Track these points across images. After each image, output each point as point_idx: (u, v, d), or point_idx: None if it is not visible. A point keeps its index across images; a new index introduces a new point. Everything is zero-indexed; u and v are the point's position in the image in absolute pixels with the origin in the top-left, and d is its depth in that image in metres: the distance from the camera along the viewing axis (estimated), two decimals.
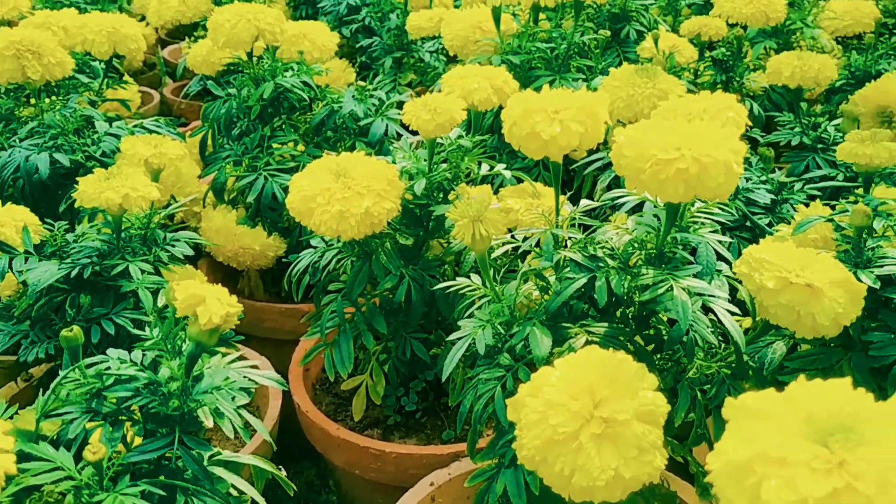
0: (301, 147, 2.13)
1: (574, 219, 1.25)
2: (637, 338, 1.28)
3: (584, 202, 1.29)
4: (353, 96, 2.10)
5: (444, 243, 1.71)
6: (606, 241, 1.19)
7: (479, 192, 1.74)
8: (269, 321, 2.10)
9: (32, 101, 2.10)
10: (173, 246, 1.65)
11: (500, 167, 1.70)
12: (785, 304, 1.23)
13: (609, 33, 2.46)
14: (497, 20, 2.21)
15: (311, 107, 2.17)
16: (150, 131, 2.04)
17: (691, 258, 1.18)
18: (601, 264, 1.16)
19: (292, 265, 1.68)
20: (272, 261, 2.11)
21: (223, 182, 2.09)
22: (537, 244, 1.30)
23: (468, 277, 1.27)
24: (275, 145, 2.07)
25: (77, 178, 1.56)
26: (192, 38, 3.14)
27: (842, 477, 0.68)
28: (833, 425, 0.73)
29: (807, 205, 1.66)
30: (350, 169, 1.50)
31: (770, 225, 1.73)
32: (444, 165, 1.68)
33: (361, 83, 2.11)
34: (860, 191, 1.64)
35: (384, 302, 1.70)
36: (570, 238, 1.20)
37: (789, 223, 1.68)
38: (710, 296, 1.11)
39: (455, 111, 1.50)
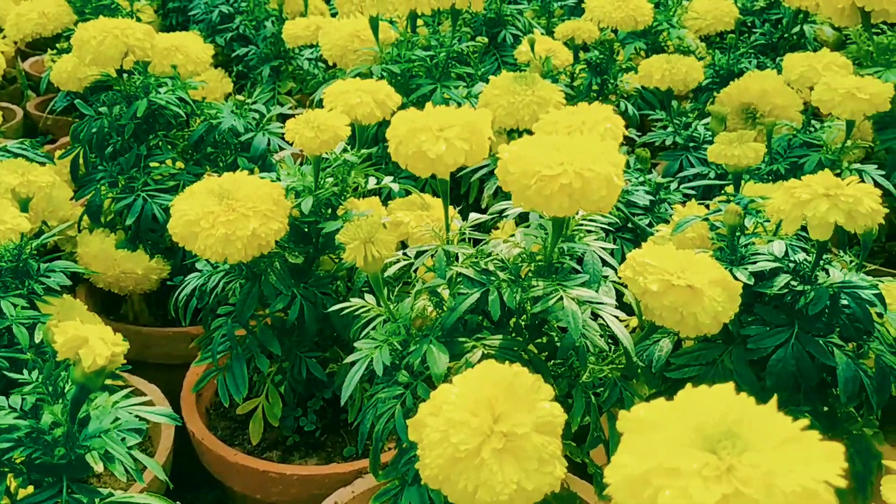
0: (180, 164, 2.07)
1: (464, 233, 1.26)
2: (532, 346, 1.30)
3: (473, 216, 1.31)
4: (232, 110, 2.05)
5: (336, 259, 1.70)
6: (497, 254, 1.21)
7: (368, 205, 1.74)
8: (158, 346, 2.03)
9: None
10: (48, 277, 1.57)
11: (387, 180, 1.69)
12: (668, 305, 1.29)
13: (486, 39, 2.50)
14: (375, 29, 2.21)
15: (188, 123, 2.11)
16: (16, 155, 1.94)
17: (578, 267, 1.21)
18: (493, 278, 1.18)
19: (178, 290, 1.63)
20: (156, 284, 2.04)
21: (99, 205, 2.00)
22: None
23: (362, 296, 1.27)
24: (152, 164, 2.00)
25: None
26: (55, 51, 3.00)
27: (730, 483, 0.72)
28: (720, 432, 0.76)
29: (683, 204, 1.73)
30: (233, 190, 1.47)
31: (650, 225, 1.79)
32: (331, 181, 1.66)
33: (240, 97, 2.07)
34: (731, 189, 1.73)
35: (276, 322, 1.67)
36: (461, 253, 1.21)
37: (668, 223, 1.75)
38: (598, 303, 1.15)
39: (339, 128, 1.49)
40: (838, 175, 1.94)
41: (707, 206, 1.73)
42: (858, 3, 2.31)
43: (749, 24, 3.29)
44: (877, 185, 1.93)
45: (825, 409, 1.47)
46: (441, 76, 2.25)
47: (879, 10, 2.31)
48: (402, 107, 2.20)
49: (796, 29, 3.01)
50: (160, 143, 2.05)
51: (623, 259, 1.80)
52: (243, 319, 1.59)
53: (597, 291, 1.20)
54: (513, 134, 2.00)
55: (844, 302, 1.37)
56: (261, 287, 1.57)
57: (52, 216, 1.96)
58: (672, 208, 1.81)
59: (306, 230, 1.60)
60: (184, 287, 1.62)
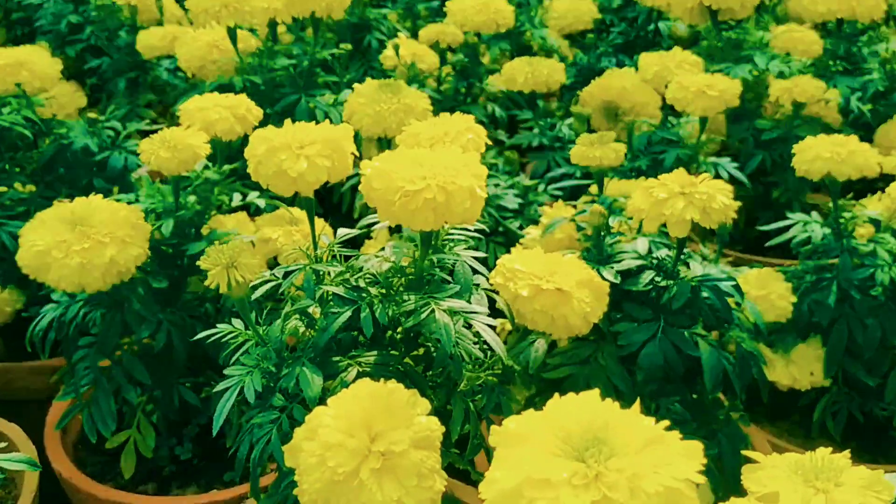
0: (32, 187, 1.95)
1: (333, 249, 1.24)
2: (408, 359, 1.30)
3: (341, 231, 1.29)
4: (86, 129, 1.95)
5: (203, 280, 1.64)
6: (368, 269, 1.20)
7: (235, 222, 1.69)
8: (17, 381, 1.90)
9: None
10: None
11: (252, 195, 1.65)
12: (539, 309, 1.31)
13: (350, 46, 2.47)
14: (233, 40, 2.14)
15: (36, 143, 1.99)
16: None
17: (450, 278, 1.21)
18: (364, 294, 1.16)
19: (33, 323, 1.53)
20: (11, 316, 1.91)
21: None
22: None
23: (229, 322, 1.23)
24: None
25: None
26: None
27: (598, 490, 0.73)
28: (587, 440, 0.78)
29: (551, 205, 1.76)
30: (87, 216, 1.40)
31: (521, 228, 1.82)
32: (193, 199, 1.61)
33: (93, 114, 1.97)
34: (594, 189, 1.77)
35: (144, 349, 1.60)
36: (331, 270, 1.19)
37: (538, 223, 1.78)
38: (470, 313, 1.15)
39: (197, 146, 1.43)
40: (696, 168, 2.04)
41: (574, 206, 1.77)
42: (706, 2, 2.43)
43: (608, 23, 3.40)
44: (732, 177, 2.03)
45: (694, 396, 1.53)
46: (306, 85, 2.21)
47: (726, 9, 2.43)
48: (267, 118, 2.17)
49: (652, 27, 3.13)
50: (6, 166, 1.93)
51: (495, 261, 1.83)
52: (107, 350, 1.52)
53: (469, 301, 1.20)
54: (381, 142, 1.99)
55: (705, 294, 1.43)
56: (124, 315, 1.50)
57: None
58: (541, 210, 1.84)
59: (170, 252, 1.54)
60: (40, 319, 1.53)
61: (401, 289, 1.17)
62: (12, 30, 3.61)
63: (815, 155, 1.66)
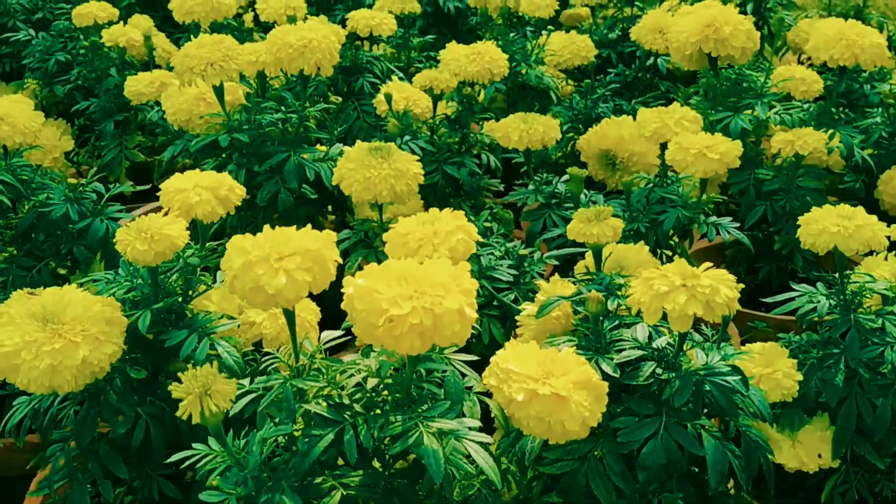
0: (11, 251, 1.88)
1: (314, 358, 1.17)
2: (397, 466, 1.23)
3: (325, 334, 1.22)
4: (66, 194, 1.89)
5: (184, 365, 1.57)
6: (350, 383, 1.13)
7: (219, 301, 1.62)
8: None
9: None
10: None
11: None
12: (535, 415, 1.24)
13: (340, 99, 2.42)
14: (220, 96, 2.08)
15: (15, 208, 1.92)
16: None
17: (439, 388, 1.14)
18: (348, 413, 1.10)
19: (6, 418, 1.46)
20: None
21: None
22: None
23: (205, 441, 1.16)
24: None
25: None
26: None
27: None
28: None
29: (547, 278, 1.69)
30: (59, 312, 1.33)
31: (516, 301, 1.75)
32: (175, 278, 1.54)
33: (73, 180, 1.90)
34: (589, 261, 1.71)
35: (122, 439, 1.52)
36: (313, 386, 1.12)
37: (534, 296, 1.71)
38: (460, 434, 1.08)
39: (175, 237, 1.37)
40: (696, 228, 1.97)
41: (572, 274, 1.70)
42: (705, 49, 2.36)
43: (605, 57, 3.34)
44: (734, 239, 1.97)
45: (697, 490, 1.46)
46: (296, 141, 2.14)
47: (725, 56, 2.37)
48: (254, 175, 2.11)
49: (650, 61, 3.07)
50: None
51: (490, 335, 1.76)
52: (83, 443, 1.45)
53: (461, 410, 1.13)
54: (374, 207, 1.93)
55: (708, 388, 1.36)
56: (100, 408, 1.43)
57: None
58: (537, 279, 1.77)
59: (150, 338, 1.47)
60: (14, 413, 1.46)
61: (386, 407, 1.11)
62: (0, 65, 3.55)
63: (821, 229, 1.59)
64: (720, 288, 1.30)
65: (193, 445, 1.14)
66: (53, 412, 1.47)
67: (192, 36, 3.68)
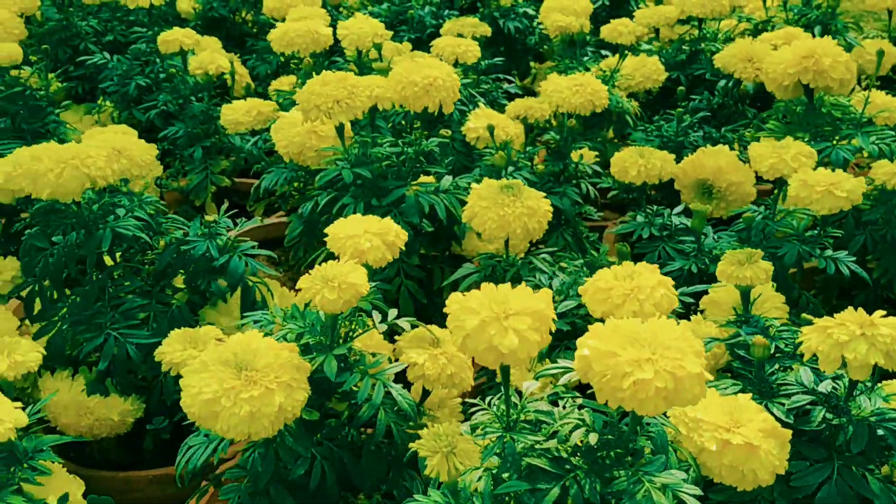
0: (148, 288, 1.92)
1: (523, 408, 1.21)
2: None
3: (526, 385, 1.26)
4: (202, 230, 1.93)
5: (342, 400, 1.61)
6: (564, 433, 1.16)
7: (374, 344, 1.65)
8: (138, 492, 1.87)
9: None
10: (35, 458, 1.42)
11: (392, 314, 1.62)
12: (728, 464, 1.28)
13: (450, 132, 2.45)
14: (340, 132, 2.12)
15: (150, 244, 1.96)
16: None
17: (649, 442, 1.18)
18: (568, 466, 1.13)
19: (182, 459, 1.50)
20: (131, 426, 1.88)
21: (61, 346, 1.83)
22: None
23: (421, 489, 1.20)
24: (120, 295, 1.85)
25: None
26: None
27: None
28: None
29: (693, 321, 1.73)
30: (251, 359, 1.36)
31: None
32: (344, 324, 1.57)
33: (209, 217, 1.93)
34: (722, 297, 1.74)
35: (300, 480, 1.55)
36: (529, 441, 1.15)
37: None
38: (679, 486, 1.12)
39: (360, 285, 1.40)
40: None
41: (717, 324, 1.73)
42: (804, 81, 2.40)
43: (673, 79, 3.37)
44: (851, 272, 2.00)
45: None
46: (410, 175, 2.18)
47: (823, 87, 2.40)
48: (373, 211, 2.14)
49: (726, 85, 3.09)
50: (122, 270, 1.90)
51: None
52: (259, 486, 1.49)
53: (668, 464, 1.17)
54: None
55: (881, 433, 1.40)
56: (277, 452, 1.47)
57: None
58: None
59: (324, 386, 1.51)
60: (188, 456, 1.49)
61: (607, 461, 1.14)
62: (72, 88, 3.58)
63: None
64: None
65: (416, 497, 1.17)
66: (225, 454, 1.51)
67: (260, 58, 3.74)
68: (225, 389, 1.33)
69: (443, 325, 1.58)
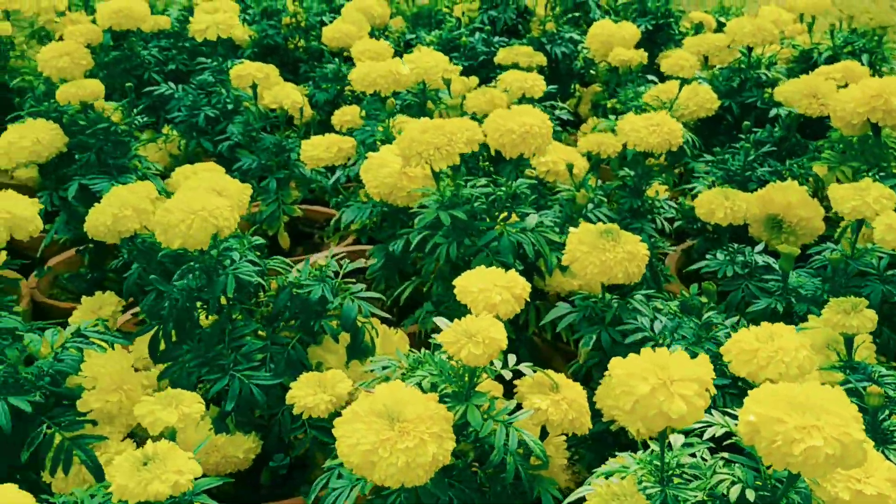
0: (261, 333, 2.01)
1: (679, 465, 1.30)
2: None
3: (675, 437, 1.34)
4: (314, 273, 2.02)
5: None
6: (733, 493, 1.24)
7: (486, 385, 1.74)
8: None
9: None
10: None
11: (512, 358, 1.70)
12: None
13: (535, 171, 2.53)
14: (436, 176, 2.20)
15: (263, 286, 2.05)
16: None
17: (797, 496, 1.26)
18: None
19: (326, 496, 1.59)
20: (249, 462, 1.96)
21: (186, 386, 1.91)
22: None
23: None
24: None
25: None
26: None
27: None
28: None
29: None
30: (401, 410, 1.45)
31: None
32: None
33: (320, 262, 2.02)
34: (816, 330, 1.82)
35: None
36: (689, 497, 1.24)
37: None
38: None
39: (501, 339, 1.50)
40: None
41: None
42: (873, 119, 2.50)
43: (725, 107, 3.46)
44: None
45: None
46: (504, 214, 2.27)
47: (892, 125, 2.50)
48: (466, 250, 2.23)
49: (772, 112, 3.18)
50: (240, 314, 1.99)
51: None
52: None
53: None
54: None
55: None
56: (418, 495, 1.55)
57: None
58: None
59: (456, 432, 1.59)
60: (332, 498, 1.57)
61: None
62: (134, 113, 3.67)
63: None
64: None
65: None
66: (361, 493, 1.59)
67: (318, 86, 3.82)
68: (381, 441, 1.42)
69: (528, 360, 1.68)
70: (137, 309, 2.23)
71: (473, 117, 2.85)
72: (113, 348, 1.90)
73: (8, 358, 1.73)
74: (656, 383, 1.19)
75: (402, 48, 4.37)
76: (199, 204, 1.85)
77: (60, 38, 3.76)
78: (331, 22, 4.07)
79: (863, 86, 2.53)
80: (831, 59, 3.57)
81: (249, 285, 1.95)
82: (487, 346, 1.48)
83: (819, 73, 3.05)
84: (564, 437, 1.86)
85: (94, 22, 4.13)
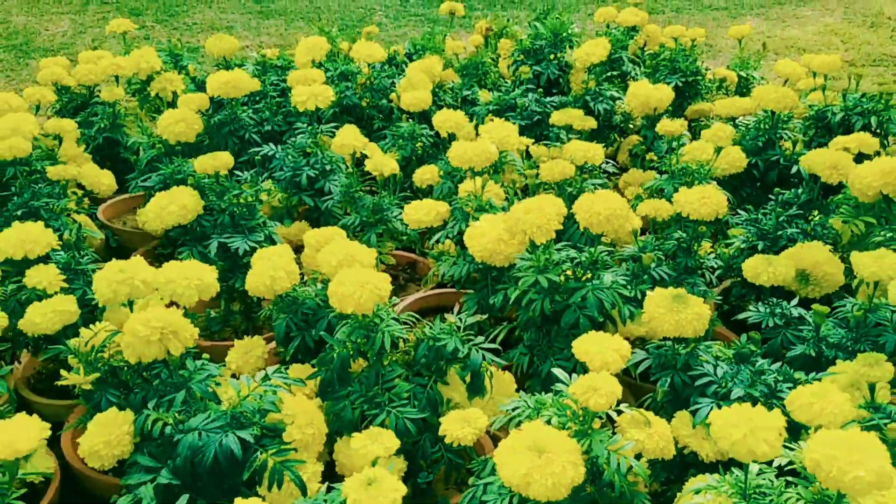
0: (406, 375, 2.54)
1: (757, 487, 1.82)
2: None
3: (754, 468, 1.87)
4: (447, 328, 2.54)
5: None
6: None
7: None
8: None
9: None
10: None
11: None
12: None
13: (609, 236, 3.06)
14: (534, 248, 2.73)
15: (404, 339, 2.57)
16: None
17: None
18: None
19: None
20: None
21: (349, 418, 2.44)
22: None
23: None
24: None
25: None
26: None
27: None
28: None
29: None
30: (547, 445, 1.97)
31: None
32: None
33: (451, 317, 2.55)
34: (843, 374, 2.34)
35: None
36: None
37: None
38: None
39: (618, 392, 2.02)
40: None
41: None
42: (885, 192, 3.03)
43: (752, 164, 4.00)
44: None
45: None
46: (584, 277, 2.80)
47: None
48: (556, 306, 2.76)
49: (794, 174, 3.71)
50: (390, 362, 2.52)
51: None
52: None
53: None
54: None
55: None
56: None
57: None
58: None
59: None
60: None
61: None
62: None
63: None
64: None
65: None
66: None
67: (395, 144, 4.34)
68: (534, 467, 1.94)
69: None
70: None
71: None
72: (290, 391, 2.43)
73: (223, 401, 2.26)
74: (748, 430, 1.72)
75: (460, 103, 4.91)
76: (364, 278, 2.38)
77: (169, 104, 4.29)
78: (398, 80, 4.61)
79: (878, 163, 3.06)
80: (844, 120, 4.11)
81: (398, 339, 2.48)
82: (609, 398, 2.00)
83: (836, 143, 3.58)
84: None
85: (191, 80, 4.67)
